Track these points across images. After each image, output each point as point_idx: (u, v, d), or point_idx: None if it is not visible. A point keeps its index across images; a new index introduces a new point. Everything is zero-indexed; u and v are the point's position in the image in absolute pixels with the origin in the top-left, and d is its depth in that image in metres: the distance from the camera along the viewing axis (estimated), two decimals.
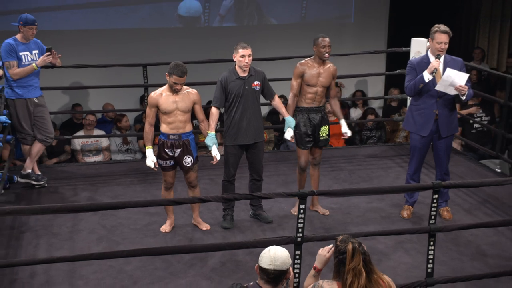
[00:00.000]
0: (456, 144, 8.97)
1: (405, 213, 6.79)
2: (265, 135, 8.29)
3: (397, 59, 9.34)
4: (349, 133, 6.81)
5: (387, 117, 10.59)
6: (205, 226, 6.48)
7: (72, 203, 7.08)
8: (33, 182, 7.50)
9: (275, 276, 3.71)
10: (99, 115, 9.88)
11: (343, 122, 6.78)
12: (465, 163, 8.39)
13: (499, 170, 8.38)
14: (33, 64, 7.10)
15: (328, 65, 6.58)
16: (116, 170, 8.18)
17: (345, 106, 10.55)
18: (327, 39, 6.45)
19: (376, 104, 10.98)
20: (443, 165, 6.69)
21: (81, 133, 9.26)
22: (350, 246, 3.71)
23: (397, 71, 8.87)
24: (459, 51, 11.80)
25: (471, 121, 9.28)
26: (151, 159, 6.22)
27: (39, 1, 9.80)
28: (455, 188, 7.16)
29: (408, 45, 8.71)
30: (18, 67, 7.07)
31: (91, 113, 9.33)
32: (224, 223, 6.52)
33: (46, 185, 7.54)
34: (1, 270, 5.62)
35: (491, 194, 7.35)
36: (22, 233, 6.37)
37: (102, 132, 9.39)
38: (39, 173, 7.59)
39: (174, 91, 6.12)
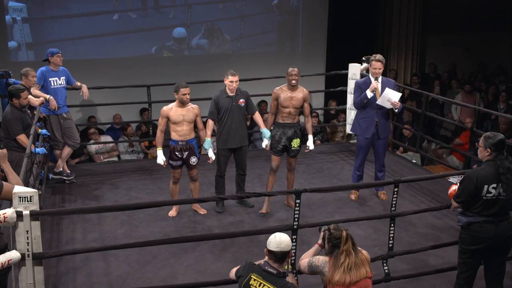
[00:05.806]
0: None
1: (352, 196, 6.66)
2: None
3: (333, 78, 9.23)
4: (311, 147, 6.30)
5: (327, 122, 10.50)
6: (202, 211, 6.26)
7: (97, 196, 6.81)
8: (64, 178, 7.16)
9: (281, 256, 3.56)
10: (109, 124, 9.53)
11: (310, 137, 6.25)
12: (390, 156, 8.25)
13: (414, 161, 8.38)
14: (47, 96, 6.70)
15: (300, 90, 6.09)
16: (127, 168, 7.82)
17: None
18: (295, 70, 6.02)
19: (319, 112, 10.84)
20: (381, 159, 6.62)
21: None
22: (344, 233, 3.58)
23: (339, 88, 8.69)
24: None
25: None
26: (161, 158, 5.96)
27: (64, 35, 9.40)
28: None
29: (340, 66, 8.61)
30: (44, 89, 6.77)
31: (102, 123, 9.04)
32: (217, 208, 6.32)
33: (74, 180, 7.20)
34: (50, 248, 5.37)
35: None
36: (61, 219, 6.05)
37: (111, 138, 9.02)
38: (69, 171, 7.25)
39: (183, 102, 5.85)
